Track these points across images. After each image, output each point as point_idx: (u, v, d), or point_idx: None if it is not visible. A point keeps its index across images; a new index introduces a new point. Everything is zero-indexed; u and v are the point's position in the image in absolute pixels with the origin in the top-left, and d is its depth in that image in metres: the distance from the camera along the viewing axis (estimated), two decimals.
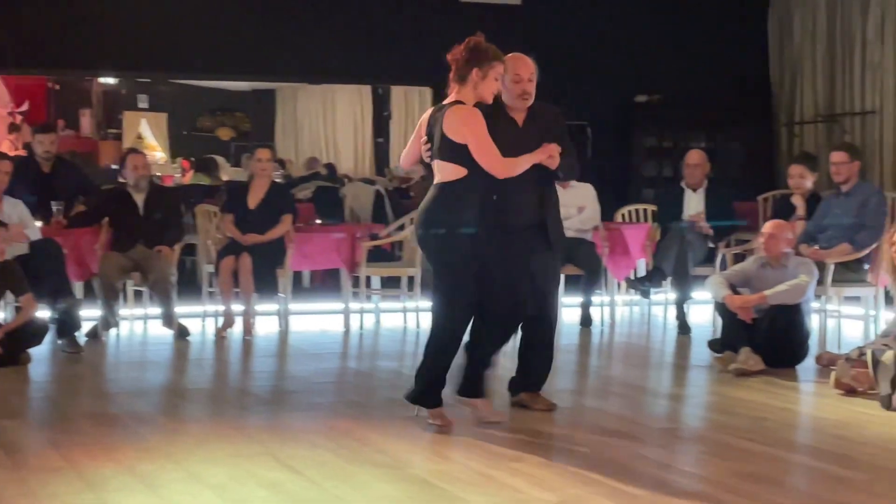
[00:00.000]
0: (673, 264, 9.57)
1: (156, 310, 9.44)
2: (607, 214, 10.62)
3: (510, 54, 6.22)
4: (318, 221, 11.62)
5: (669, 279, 9.76)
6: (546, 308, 6.37)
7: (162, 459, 5.38)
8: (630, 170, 13.79)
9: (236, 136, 19.45)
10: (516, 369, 6.56)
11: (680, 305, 9.68)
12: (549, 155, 6.08)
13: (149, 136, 18.07)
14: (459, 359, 6.13)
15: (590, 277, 9.90)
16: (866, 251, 8.62)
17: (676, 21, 13.82)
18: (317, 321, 10.28)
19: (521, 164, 6.03)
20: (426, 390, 6.11)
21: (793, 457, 5.73)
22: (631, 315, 11.01)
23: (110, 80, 17.55)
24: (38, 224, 9.09)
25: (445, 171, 5.98)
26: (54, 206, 9.48)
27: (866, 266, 8.72)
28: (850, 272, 8.69)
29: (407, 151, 6.38)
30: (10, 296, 8.30)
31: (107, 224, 9.43)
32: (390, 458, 5.46)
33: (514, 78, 6.21)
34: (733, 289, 7.99)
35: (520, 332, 6.43)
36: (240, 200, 9.68)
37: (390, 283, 10.71)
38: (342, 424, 6.19)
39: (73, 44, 12.11)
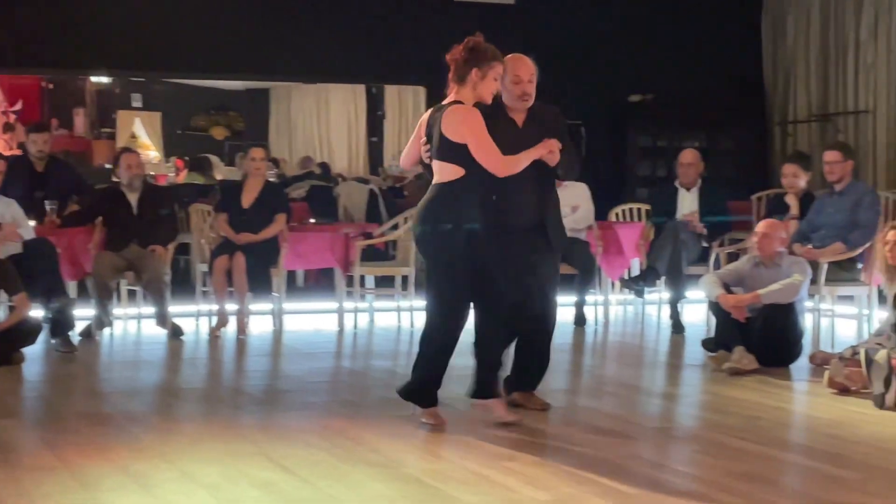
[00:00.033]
0: (667, 263, 9.57)
1: (149, 309, 9.44)
2: (601, 214, 10.63)
3: (510, 55, 6.20)
4: (312, 221, 11.62)
5: (663, 278, 9.77)
6: (544, 308, 6.37)
7: (155, 459, 5.38)
8: (624, 169, 13.79)
9: (230, 135, 19.43)
10: (511, 368, 6.55)
11: (674, 305, 9.68)
12: (549, 150, 6.07)
13: (143, 136, 18.05)
14: (469, 362, 6.11)
15: (584, 277, 9.91)
16: (859, 250, 8.64)
17: (670, 21, 13.83)
18: (311, 320, 10.28)
19: (521, 162, 6.02)
20: (421, 389, 6.11)
21: (786, 456, 5.73)
22: (625, 314, 11.03)
23: (104, 80, 17.52)
24: (32, 223, 9.08)
25: (444, 172, 5.98)
26: (48, 206, 9.47)
27: (860, 265, 8.74)
28: (843, 271, 8.70)
29: (406, 152, 6.37)
30: (3, 295, 8.29)
31: (100, 223, 9.42)
32: (384, 457, 5.46)
33: (514, 79, 6.20)
34: (727, 288, 8.00)
35: (514, 331, 6.42)
36: (234, 200, 9.68)
37: (384, 282, 10.72)
38: (336, 424, 6.19)
39: (66, 43, 12.10)
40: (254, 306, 9.57)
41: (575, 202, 9.92)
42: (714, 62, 13.83)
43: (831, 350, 8.05)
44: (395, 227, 10.48)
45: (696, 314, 9.82)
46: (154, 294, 9.20)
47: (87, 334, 9.06)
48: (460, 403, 6.51)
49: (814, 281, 8.28)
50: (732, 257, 9.33)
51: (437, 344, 6.05)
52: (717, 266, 9.19)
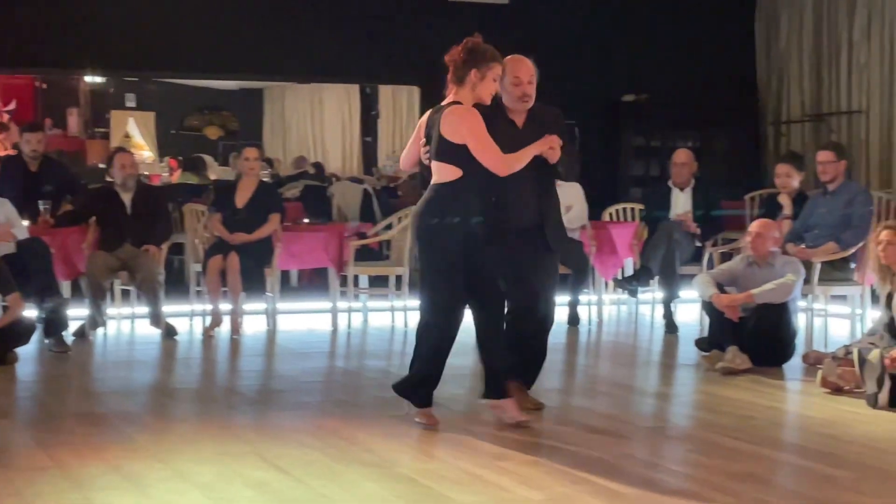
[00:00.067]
0: (660, 263, 9.59)
1: (143, 309, 9.43)
2: (595, 213, 10.64)
3: (509, 56, 6.17)
4: (306, 220, 11.62)
5: (657, 278, 9.78)
6: (542, 308, 6.36)
7: (149, 459, 5.37)
8: (617, 169, 13.80)
9: (224, 135, 19.45)
10: None
11: (667, 304, 9.69)
12: (549, 146, 6.05)
13: (136, 135, 18.07)
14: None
15: (577, 276, 9.92)
16: (852, 250, 8.65)
17: (664, 21, 13.84)
18: (304, 320, 10.28)
19: (521, 159, 6.00)
20: (417, 387, 6.11)
21: (779, 455, 5.74)
22: (618, 314, 11.03)
23: (98, 79, 17.52)
24: (26, 223, 9.07)
25: (442, 172, 5.97)
26: (41, 206, 9.46)
27: (853, 265, 8.75)
28: (836, 271, 8.71)
29: (406, 153, 6.36)
30: None
31: (94, 223, 9.41)
32: (377, 456, 5.46)
33: (514, 80, 6.17)
34: (720, 288, 8.01)
35: (512, 331, 6.39)
36: (227, 199, 9.67)
37: (378, 282, 10.72)
38: (330, 423, 6.19)
39: (60, 43, 12.09)
40: (248, 306, 9.57)
41: (568, 202, 9.90)
42: (708, 62, 13.84)
43: (824, 350, 8.06)
44: (389, 226, 10.48)
45: (690, 314, 9.82)
46: (148, 294, 9.19)
47: (81, 334, 9.05)
48: (454, 403, 6.52)
49: (807, 281, 8.29)
50: (726, 257, 9.34)
51: (431, 343, 6.04)
52: (711, 266, 9.21)
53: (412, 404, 6.13)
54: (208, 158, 16.12)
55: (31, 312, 8.36)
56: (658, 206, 10.05)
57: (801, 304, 8.42)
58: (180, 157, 16.46)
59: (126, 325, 9.84)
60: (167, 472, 5.14)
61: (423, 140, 6.09)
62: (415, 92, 15.03)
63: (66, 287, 9.30)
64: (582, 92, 13.06)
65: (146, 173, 14.55)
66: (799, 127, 13.96)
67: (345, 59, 13.18)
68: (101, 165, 13.64)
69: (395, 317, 10.15)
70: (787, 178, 9.34)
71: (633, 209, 11.04)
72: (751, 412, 6.55)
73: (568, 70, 12.73)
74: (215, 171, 15.67)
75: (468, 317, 6.08)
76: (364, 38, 12.98)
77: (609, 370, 8.47)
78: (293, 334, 9.61)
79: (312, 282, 11.78)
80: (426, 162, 6.11)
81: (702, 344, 8.20)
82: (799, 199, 9.23)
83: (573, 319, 10.05)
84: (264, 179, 11.14)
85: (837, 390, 6.96)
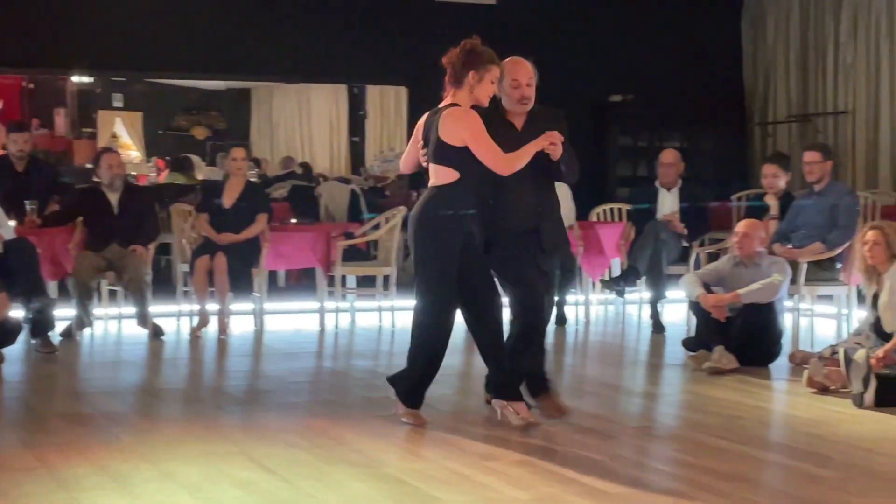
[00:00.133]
0: (647, 263, 9.60)
1: (130, 309, 9.42)
2: (582, 214, 10.64)
3: (508, 58, 6.13)
4: (294, 220, 11.61)
5: (643, 278, 9.79)
6: (540, 309, 6.34)
7: (135, 459, 5.37)
8: (605, 169, 13.83)
9: (212, 135, 19.40)
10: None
11: (654, 304, 9.71)
12: (550, 142, 6.01)
13: (124, 136, 18.01)
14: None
15: (564, 276, 9.90)
16: (839, 250, 8.67)
17: (651, 21, 13.87)
18: (292, 320, 10.27)
19: (523, 157, 5.97)
20: (409, 390, 6.11)
21: (766, 455, 5.75)
22: (605, 314, 11.05)
23: (85, 80, 17.47)
24: (12, 223, 9.04)
25: (439, 175, 5.96)
26: (28, 206, 9.44)
27: (839, 265, 8.77)
28: (822, 271, 8.74)
29: (405, 156, 6.34)
30: None
31: (81, 223, 9.39)
32: (365, 457, 5.46)
33: (512, 83, 6.13)
34: (707, 288, 8.02)
35: (507, 331, 6.38)
36: (215, 199, 9.66)
37: (365, 282, 10.73)
38: (317, 424, 6.19)
39: (47, 43, 12.07)
40: (235, 306, 9.56)
41: None
42: (694, 63, 13.88)
43: (811, 349, 8.08)
44: (377, 226, 10.48)
45: (677, 314, 9.84)
46: (135, 294, 9.18)
47: (68, 334, 9.04)
48: (442, 403, 6.52)
49: (793, 281, 8.31)
50: (713, 257, 9.36)
51: (427, 344, 6.04)
52: (698, 266, 9.22)
53: (403, 405, 6.13)
54: (196, 158, 16.08)
55: (17, 313, 8.34)
56: (645, 207, 10.06)
57: (788, 304, 8.44)
58: (168, 158, 16.42)
59: (113, 325, 9.82)
60: (154, 473, 5.14)
61: (421, 143, 6.08)
62: (402, 92, 15.03)
63: (52, 287, 9.29)
64: (569, 92, 13.04)
65: (133, 173, 14.50)
66: (785, 127, 14.00)
67: (332, 60, 13.19)
68: (88, 165, 13.60)
69: (383, 317, 10.15)
70: (774, 179, 9.36)
71: (620, 209, 11.05)
72: (738, 412, 6.56)
73: (555, 70, 12.70)
74: (203, 172, 15.63)
75: (458, 317, 6.09)
76: (352, 38, 12.98)
77: (596, 370, 8.48)
78: (281, 334, 9.60)
79: (300, 282, 11.77)
80: (424, 164, 6.09)
81: (689, 344, 8.21)
82: (785, 199, 9.26)
83: (560, 319, 10.06)
84: (252, 179, 11.13)
85: (824, 390, 6.98)
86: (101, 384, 7.50)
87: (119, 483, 4.96)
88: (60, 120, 18.02)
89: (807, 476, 5.24)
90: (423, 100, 6.16)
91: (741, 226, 8.20)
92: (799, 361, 7.79)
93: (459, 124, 5.87)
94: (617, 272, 10.39)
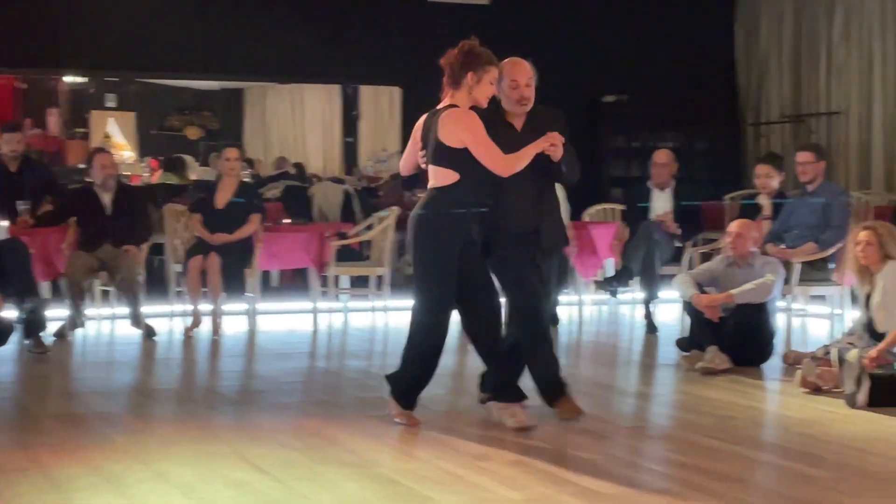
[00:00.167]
0: (640, 264, 9.60)
1: (123, 309, 9.41)
2: (575, 214, 10.64)
3: (507, 59, 6.11)
4: (287, 221, 11.61)
5: (637, 278, 9.79)
6: (541, 311, 6.33)
7: (129, 459, 5.36)
8: (598, 169, 13.83)
9: (205, 135, 19.38)
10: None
11: (647, 304, 9.71)
12: (551, 143, 5.99)
13: (117, 136, 17.99)
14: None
15: (558, 276, 9.91)
16: (831, 250, 8.68)
17: (644, 22, 13.89)
18: (285, 320, 10.26)
19: (523, 159, 5.95)
20: (405, 390, 6.11)
21: (759, 455, 5.76)
22: (599, 314, 11.05)
23: (78, 80, 17.46)
24: (5, 223, 9.03)
25: (439, 176, 5.95)
26: (21, 206, 9.43)
27: (832, 265, 8.78)
28: (815, 271, 8.75)
29: (405, 158, 6.32)
30: None
31: (73, 223, 9.38)
32: (358, 457, 5.46)
33: (511, 84, 6.10)
34: (700, 288, 8.03)
35: (505, 331, 6.37)
36: (208, 200, 9.66)
37: (359, 282, 10.72)
38: (310, 424, 6.18)
39: (40, 43, 12.06)
40: (228, 307, 9.55)
41: None
42: (688, 63, 13.89)
43: (804, 349, 8.08)
44: (370, 227, 10.47)
45: (670, 314, 9.85)
46: (127, 294, 9.17)
47: (61, 335, 9.02)
48: (435, 403, 6.52)
49: (786, 281, 8.32)
50: (706, 257, 9.37)
51: (424, 344, 6.04)
52: (691, 266, 9.23)
53: (397, 404, 6.12)
54: (189, 159, 16.08)
55: (10, 313, 8.32)
56: (639, 208, 10.06)
57: (781, 304, 8.45)
58: (161, 158, 16.40)
59: (106, 325, 9.80)
60: (147, 473, 5.13)
61: (420, 144, 6.07)
62: (396, 92, 15.02)
63: (45, 287, 9.28)
64: (562, 92, 13.03)
65: (126, 173, 14.50)
66: (778, 128, 14.02)
67: (326, 60, 13.19)
68: (81, 166, 13.60)
69: (376, 317, 10.15)
70: (767, 179, 9.37)
71: (613, 210, 11.05)
72: (731, 412, 6.57)
73: (548, 70, 12.71)
74: (196, 172, 15.62)
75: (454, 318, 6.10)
76: (345, 38, 12.98)
77: (589, 370, 8.47)
78: (274, 335, 9.59)
79: (293, 282, 11.76)
80: (423, 166, 6.08)
81: (682, 344, 8.22)
82: (778, 199, 9.26)
83: (553, 319, 10.04)
84: (245, 180, 11.12)
85: (816, 390, 6.99)
86: (93, 384, 7.49)
87: (112, 483, 4.96)
88: (53, 120, 18.00)
89: (800, 476, 5.25)
90: (417, 100, 6.16)
91: (734, 226, 8.20)
92: (792, 362, 7.80)
93: (459, 125, 5.86)
94: (610, 272, 10.39)
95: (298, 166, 16.70)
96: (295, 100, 19.27)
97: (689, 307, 8.00)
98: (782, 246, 8.75)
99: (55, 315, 9.02)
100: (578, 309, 10.49)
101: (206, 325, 9.34)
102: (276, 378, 7.61)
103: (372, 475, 5.16)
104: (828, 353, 7.05)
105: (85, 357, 8.82)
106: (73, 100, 18.27)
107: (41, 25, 11.99)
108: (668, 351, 8.55)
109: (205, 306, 9.35)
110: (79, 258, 9.14)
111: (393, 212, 10.16)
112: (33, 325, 8.43)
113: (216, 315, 9.32)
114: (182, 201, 10.86)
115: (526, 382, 6.34)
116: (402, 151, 6.47)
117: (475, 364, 6.55)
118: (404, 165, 6.37)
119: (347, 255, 10.62)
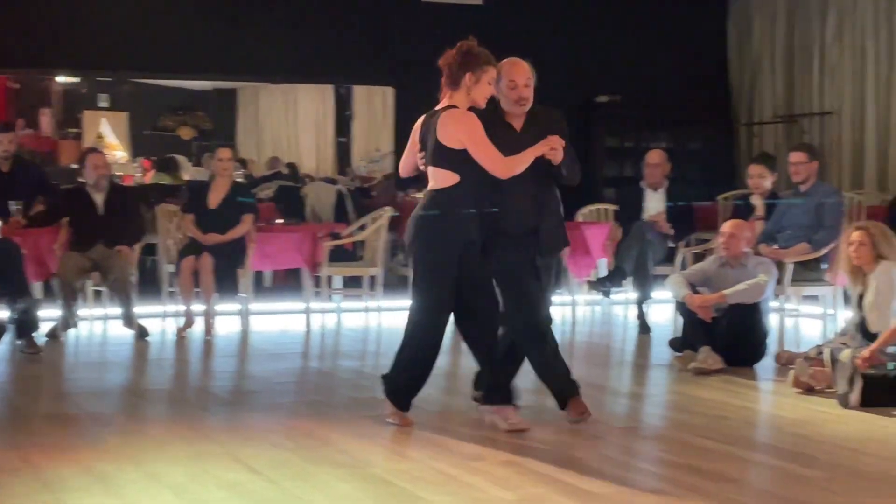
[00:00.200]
0: (633, 264, 9.60)
1: (115, 310, 9.39)
2: (568, 214, 10.61)
3: (505, 59, 6.08)
4: (280, 221, 11.60)
5: (630, 279, 9.79)
6: (539, 312, 6.32)
7: (121, 460, 5.35)
8: (591, 170, 13.81)
9: (198, 135, 19.33)
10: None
11: (640, 305, 9.72)
12: (551, 147, 5.98)
13: (109, 136, 17.94)
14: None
15: (552, 277, 9.90)
16: (824, 251, 8.69)
17: (637, 22, 13.89)
18: (278, 321, 10.26)
19: (522, 161, 5.93)
20: (401, 391, 6.10)
21: (752, 455, 5.76)
22: (592, 314, 11.05)
23: (70, 80, 17.42)
24: None
25: (438, 178, 5.93)
26: (13, 206, 9.40)
27: (824, 265, 8.79)
28: (808, 271, 8.76)
29: (404, 160, 6.29)
30: None
31: (66, 224, 9.36)
32: (351, 457, 5.45)
33: (510, 84, 6.07)
34: (693, 288, 8.03)
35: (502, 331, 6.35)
36: (201, 200, 9.65)
37: (352, 282, 10.72)
38: (303, 424, 6.18)
39: (32, 43, 12.04)
40: (221, 307, 9.54)
41: None
42: (680, 63, 13.90)
43: (796, 350, 8.10)
44: (363, 227, 10.47)
45: (663, 314, 9.85)
46: (120, 294, 9.15)
47: (53, 335, 9.01)
48: (428, 403, 6.51)
49: (779, 281, 8.33)
50: (699, 257, 9.37)
51: (421, 345, 6.03)
52: (684, 266, 9.23)
53: (391, 405, 6.11)
54: (182, 159, 16.06)
55: (2, 313, 8.31)
56: (631, 208, 10.06)
57: (774, 304, 8.46)
58: (153, 158, 16.38)
59: (98, 325, 9.79)
60: (139, 474, 5.12)
61: (419, 145, 6.05)
62: (389, 93, 15.01)
63: (37, 288, 9.26)
64: (555, 93, 13.01)
65: (119, 173, 14.46)
66: (771, 128, 14.03)
67: (319, 60, 13.17)
68: (74, 166, 13.55)
69: (369, 317, 10.14)
70: (760, 179, 9.38)
71: (606, 210, 11.06)
72: (723, 412, 6.57)
73: (541, 71, 12.72)
74: (189, 172, 15.60)
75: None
76: (338, 38, 12.97)
77: (582, 370, 8.43)
78: (266, 335, 9.59)
79: (286, 282, 11.75)
80: (422, 167, 6.06)
81: (675, 344, 8.22)
82: (771, 199, 9.27)
83: (547, 319, 10.03)
84: (238, 180, 11.11)
85: (809, 390, 6.99)
86: (86, 385, 7.48)
87: (104, 484, 4.95)
88: (46, 120, 17.94)
89: (792, 476, 5.25)
90: (410, 100, 6.15)
91: (727, 226, 8.21)
92: (785, 362, 7.80)
93: (458, 126, 5.84)
94: (603, 273, 10.40)
95: (291, 166, 16.69)
96: (288, 100, 19.25)
97: (682, 307, 8.01)
98: (775, 246, 8.75)
99: (47, 315, 9.00)
100: (571, 309, 10.49)
101: (198, 326, 9.34)
102: (269, 378, 7.61)
103: (365, 475, 5.15)
104: (820, 353, 7.06)
105: (77, 357, 8.81)
106: (65, 100, 18.22)
107: (33, 26, 11.96)
108: (661, 351, 8.56)
109: (197, 307, 9.35)
110: (71, 258, 9.13)
111: (386, 212, 10.15)
112: (25, 325, 8.41)
113: (209, 315, 9.31)
114: (175, 201, 10.84)
115: (519, 384, 6.34)
116: (395, 152, 6.48)
117: (469, 364, 6.55)
118: (404, 167, 6.34)
119: (340, 255, 10.61)
